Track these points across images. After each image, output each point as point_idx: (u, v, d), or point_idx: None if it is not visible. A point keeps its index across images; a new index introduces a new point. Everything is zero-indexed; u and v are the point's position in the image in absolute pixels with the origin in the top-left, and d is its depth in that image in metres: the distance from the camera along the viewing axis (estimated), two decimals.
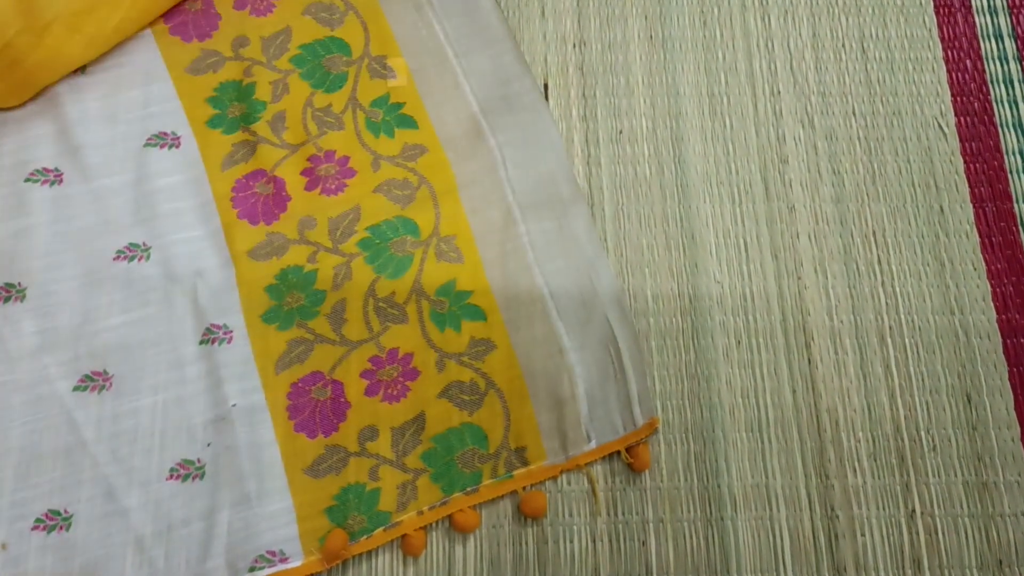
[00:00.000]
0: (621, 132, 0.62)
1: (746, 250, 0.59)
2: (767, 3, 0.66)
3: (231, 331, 0.55)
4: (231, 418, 0.53)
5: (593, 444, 0.54)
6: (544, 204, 0.59)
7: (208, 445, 0.53)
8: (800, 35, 0.65)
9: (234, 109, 0.61)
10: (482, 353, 0.55)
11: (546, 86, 0.63)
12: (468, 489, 0.53)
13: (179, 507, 0.51)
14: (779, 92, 0.63)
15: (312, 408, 0.54)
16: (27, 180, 0.57)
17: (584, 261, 0.57)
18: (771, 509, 0.54)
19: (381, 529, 0.52)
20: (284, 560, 0.51)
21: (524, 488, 0.53)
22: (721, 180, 0.61)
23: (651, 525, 0.53)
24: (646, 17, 0.65)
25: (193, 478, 0.52)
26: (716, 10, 0.66)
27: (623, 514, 0.54)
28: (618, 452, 0.54)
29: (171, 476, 0.52)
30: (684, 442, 0.55)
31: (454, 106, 0.61)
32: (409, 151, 0.60)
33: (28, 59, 0.56)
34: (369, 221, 0.58)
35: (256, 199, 0.58)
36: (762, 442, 0.55)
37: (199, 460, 0.52)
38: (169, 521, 0.51)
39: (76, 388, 0.53)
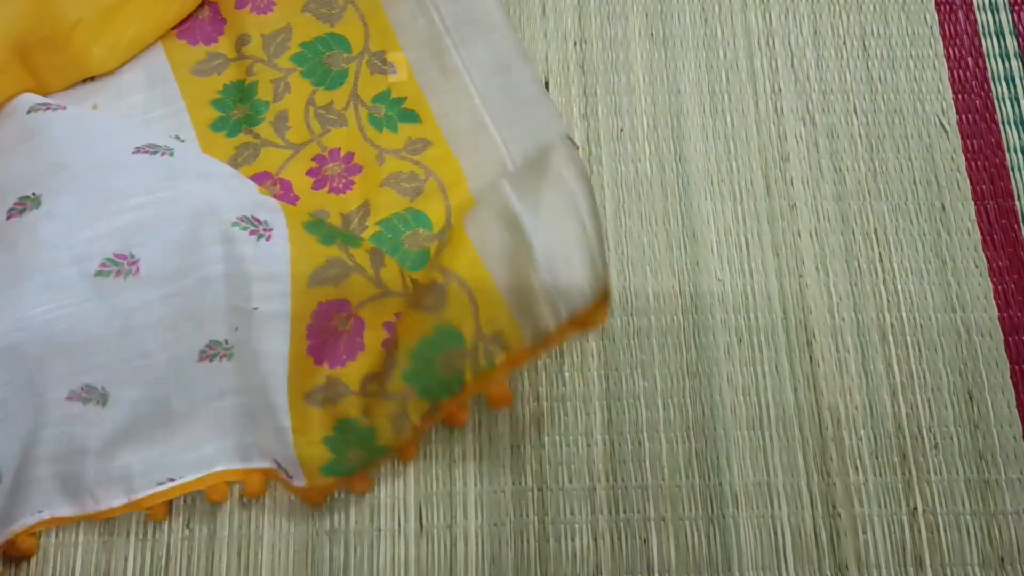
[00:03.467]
0: (622, 130, 0.62)
1: (747, 248, 0.59)
2: (768, 0, 0.66)
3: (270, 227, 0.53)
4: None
5: (564, 316, 0.49)
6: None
7: (236, 329, 0.52)
8: (801, 32, 0.65)
9: (237, 111, 0.60)
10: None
11: (547, 84, 0.63)
12: (454, 390, 0.51)
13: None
14: (780, 90, 0.63)
15: (330, 335, 0.52)
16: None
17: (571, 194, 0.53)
18: (772, 507, 0.54)
19: (381, 457, 0.51)
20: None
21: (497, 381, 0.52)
22: (722, 178, 0.61)
23: (652, 523, 0.53)
24: (647, 15, 0.65)
25: (221, 357, 0.52)
26: (717, 8, 0.65)
27: (624, 512, 0.54)
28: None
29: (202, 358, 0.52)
30: (685, 440, 0.55)
31: (455, 97, 0.61)
32: (413, 145, 0.60)
33: (45, 67, 0.56)
34: (379, 216, 0.57)
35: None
36: (763, 440, 0.55)
37: (227, 341, 0.52)
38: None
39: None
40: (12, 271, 0.48)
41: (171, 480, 0.51)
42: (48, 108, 0.55)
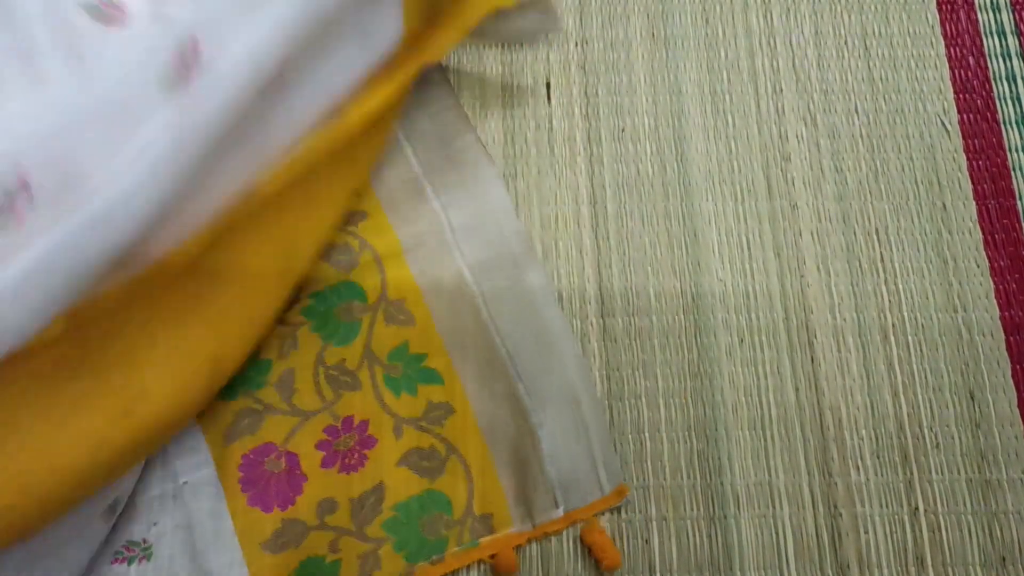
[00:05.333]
0: (623, 130, 0.62)
1: (748, 248, 0.59)
2: (769, 0, 0.66)
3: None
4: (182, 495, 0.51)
5: (560, 511, 0.52)
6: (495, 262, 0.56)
7: (155, 524, 0.51)
8: (802, 32, 0.65)
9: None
10: (441, 417, 0.53)
11: (548, 85, 0.63)
12: (433, 558, 0.51)
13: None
14: (781, 90, 0.63)
15: (266, 480, 0.51)
16: None
17: (539, 315, 0.55)
18: (774, 507, 0.54)
19: None
20: None
21: (490, 557, 0.52)
22: (723, 178, 0.61)
23: (654, 523, 0.54)
24: (648, 15, 0.65)
25: (140, 560, 0.50)
26: (718, 8, 0.65)
27: (626, 512, 0.54)
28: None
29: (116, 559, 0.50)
30: (687, 440, 0.55)
31: (392, 161, 0.58)
32: (349, 216, 0.57)
33: None
34: (311, 289, 0.54)
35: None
36: (765, 440, 0.55)
37: (144, 540, 0.50)
38: None
39: None
40: None
41: None
42: None
